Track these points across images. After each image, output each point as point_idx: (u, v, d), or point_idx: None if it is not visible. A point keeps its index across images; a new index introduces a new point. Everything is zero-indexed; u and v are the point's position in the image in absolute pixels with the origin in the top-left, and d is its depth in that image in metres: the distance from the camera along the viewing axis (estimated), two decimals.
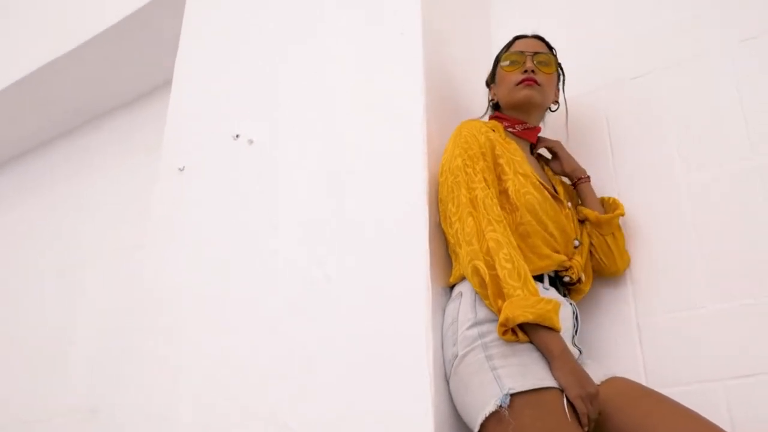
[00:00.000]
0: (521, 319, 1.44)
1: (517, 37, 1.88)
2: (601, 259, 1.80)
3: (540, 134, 1.91)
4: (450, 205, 1.63)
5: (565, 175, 1.89)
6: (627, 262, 1.82)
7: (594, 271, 1.83)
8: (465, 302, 1.58)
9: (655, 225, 1.82)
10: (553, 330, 1.48)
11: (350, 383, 1.63)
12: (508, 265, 1.51)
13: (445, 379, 1.56)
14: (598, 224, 1.80)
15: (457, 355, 1.53)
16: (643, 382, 1.69)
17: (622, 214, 1.82)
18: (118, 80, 3.12)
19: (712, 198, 1.77)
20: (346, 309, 1.72)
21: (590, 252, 1.81)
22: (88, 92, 3.22)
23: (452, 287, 1.67)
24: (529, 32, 1.92)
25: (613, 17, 2.11)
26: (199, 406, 1.87)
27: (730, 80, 1.84)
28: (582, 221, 1.84)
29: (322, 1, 2.19)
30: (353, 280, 1.74)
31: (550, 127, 1.98)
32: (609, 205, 1.85)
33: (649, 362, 1.71)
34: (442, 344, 1.60)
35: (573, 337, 1.63)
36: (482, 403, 1.44)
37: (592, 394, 1.43)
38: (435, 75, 1.89)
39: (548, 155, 1.94)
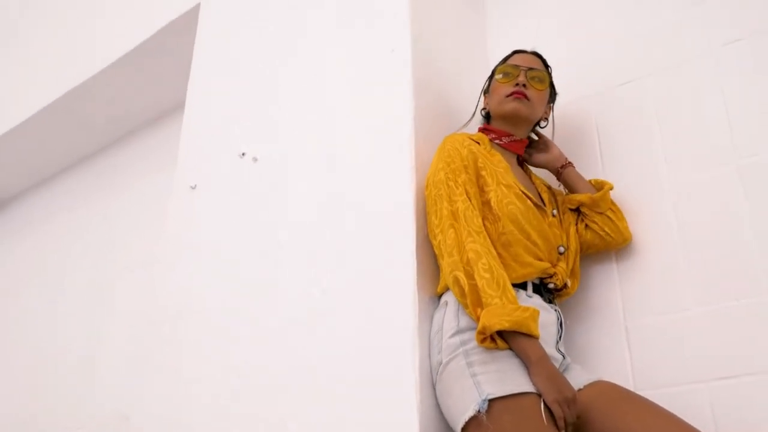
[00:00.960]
0: (498, 327, 1.50)
1: (515, 51, 1.93)
2: (607, 233, 1.83)
3: None
4: (433, 218, 1.70)
5: (549, 165, 1.92)
6: (630, 235, 1.85)
7: (605, 248, 1.87)
8: (449, 311, 1.64)
9: (643, 229, 1.85)
10: (531, 336, 1.53)
11: (342, 389, 1.70)
12: (487, 275, 1.56)
13: (432, 385, 1.62)
14: (593, 204, 1.83)
15: (441, 363, 1.60)
16: (631, 385, 1.73)
17: (611, 188, 1.85)
18: (139, 102, 3.25)
19: (697, 202, 1.79)
20: (339, 320, 1.79)
21: (596, 232, 1.84)
22: (112, 114, 3.35)
23: (440, 296, 1.72)
24: (528, 47, 1.98)
25: (602, 25, 2.14)
26: (210, 414, 1.96)
27: (714, 84, 1.86)
28: (576, 210, 1.87)
29: (319, 23, 2.27)
30: (345, 292, 1.82)
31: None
32: (597, 184, 1.89)
33: (637, 365, 1.75)
34: (429, 352, 1.66)
35: (557, 342, 1.68)
36: (463, 408, 1.50)
37: (569, 398, 1.48)
38: (424, 90, 1.95)
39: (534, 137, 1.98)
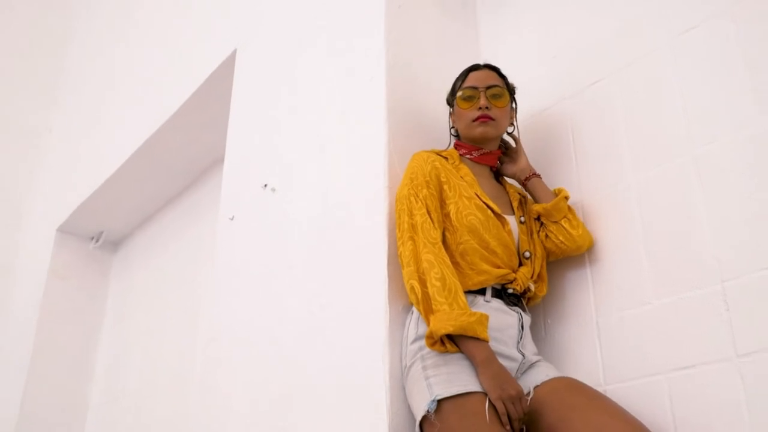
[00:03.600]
0: (443, 331, 1.62)
1: (471, 69, 2.00)
2: (561, 242, 1.89)
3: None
4: (398, 231, 1.84)
5: (516, 176, 1.99)
6: (589, 241, 1.90)
7: (562, 256, 1.93)
8: (413, 319, 1.78)
9: (611, 227, 1.89)
10: (478, 339, 1.63)
11: (327, 393, 1.89)
12: (438, 283, 1.68)
13: (403, 388, 1.77)
14: (547, 213, 1.90)
15: (405, 367, 1.74)
16: (601, 379, 1.79)
17: (567, 197, 1.90)
18: (205, 143, 3.59)
19: (657, 196, 1.81)
20: (333, 332, 1.99)
21: (552, 240, 1.90)
22: (186, 156, 3.72)
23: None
24: (481, 61, 2.07)
25: (569, 28, 2.18)
26: (239, 423, 2.21)
27: (672, 74, 1.86)
28: (538, 219, 1.94)
29: (313, 60, 2.48)
30: (336, 306, 2.01)
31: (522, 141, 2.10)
32: (557, 192, 1.94)
33: (607, 360, 1.80)
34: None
35: (518, 343, 1.76)
36: (418, 409, 1.64)
37: (513, 396, 1.58)
38: (398, 114, 2.09)
39: (512, 143, 2.04)
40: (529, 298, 1.88)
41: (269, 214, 2.45)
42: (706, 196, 1.71)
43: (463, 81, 1.99)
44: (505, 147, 2.05)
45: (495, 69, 2.00)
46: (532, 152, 2.08)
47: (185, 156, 3.75)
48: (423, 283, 1.70)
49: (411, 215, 1.80)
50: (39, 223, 4.59)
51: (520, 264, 1.87)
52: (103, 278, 4.48)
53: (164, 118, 3.51)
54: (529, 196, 2.02)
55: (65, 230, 4.37)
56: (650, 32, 1.95)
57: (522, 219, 1.93)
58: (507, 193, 2.00)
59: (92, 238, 4.46)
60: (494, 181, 2.02)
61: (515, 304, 1.82)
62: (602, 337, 1.82)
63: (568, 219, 1.90)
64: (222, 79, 3.11)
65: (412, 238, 1.77)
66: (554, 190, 1.96)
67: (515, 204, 1.96)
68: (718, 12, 1.82)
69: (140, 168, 3.86)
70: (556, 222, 1.90)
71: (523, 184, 2.00)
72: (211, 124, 3.39)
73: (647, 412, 1.65)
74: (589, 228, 1.93)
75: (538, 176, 1.99)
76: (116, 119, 4.07)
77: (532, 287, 1.85)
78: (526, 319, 1.82)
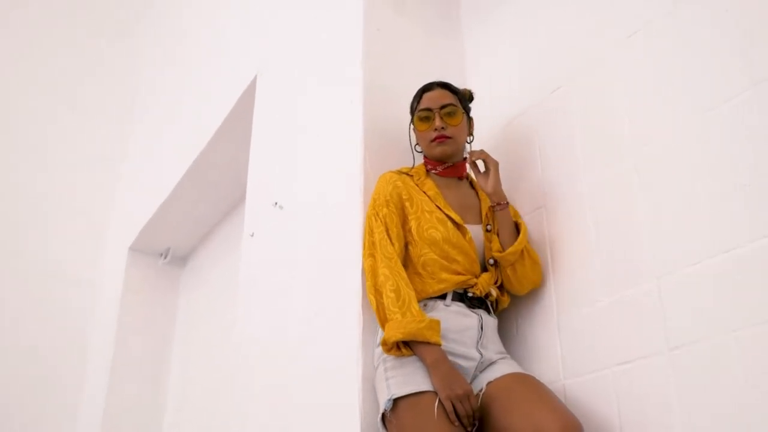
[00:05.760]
0: (394, 339, 1.77)
1: (424, 90, 2.11)
2: (506, 285, 2.02)
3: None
4: (363, 249, 1.99)
5: (487, 194, 2.08)
6: (530, 286, 2.00)
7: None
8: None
9: (570, 231, 1.98)
10: (429, 343, 1.77)
11: (304, 387, 2.12)
12: (392, 295, 1.83)
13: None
14: (499, 259, 1.99)
15: (375, 369, 1.90)
16: (561, 375, 1.88)
17: (515, 251, 1.95)
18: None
19: (606, 199, 1.89)
20: (326, 339, 2.17)
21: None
22: (230, 176, 4.00)
23: None
24: (466, 75, 2.19)
25: (540, 34, 2.26)
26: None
27: (618, 78, 1.93)
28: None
29: (309, 88, 2.67)
30: (324, 314, 2.19)
31: (494, 149, 2.21)
32: (514, 238, 1.99)
33: (566, 356, 1.89)
34: None
35: (477, 342, 1.88)
36: (380, 406, 1.80)
37: (460, 394, 1.71)
38: (375, 139, 2.23)
39: (482, 168, 2.10)
40: (496, 301, 1.99)
41: (277, 231, 2.66)
42: (646, 197, 1.78)
43: (418, 102, 2.11)
44: (485, 166, 2.08)
45: (447, 86, 2.10)
46: (505, 159, 2.19)
47: (229, 172, 4.02)
48: (379, 294, 1.85)
49: (371, 233, 1.95)
50: (114, 243, 5.01)
51: (486, 269, 1.99)
52: (173, 291, 4.85)
53: (206, 140, 3.79)
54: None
55: (136, 248, 4.75)
56: (604, 37, 2.02)
57: (488, 227, 2.03)
58: (479, 199, 2.11)
59: (161, 255, 4.83)
60: (466, 190, 2.12)
61: (478, 307, 1.94)
62: (562, 335, 1.92)
63: (514, 268, 1.98)
64: (248, 102, 3.35)
65: (372, 255, 1.92)
66: (519, 221, 2.03)
67: (485, 211, 2.07)
68: (655, 16, 1.88)
69: (193, 186, 4.16)
70: (505, 267, 1.99)
71: (492, 209, 2.05)
72: (245, 142, 3.65)
73: (598, 406, 1.75)
74: (552, 231, 2.03)
75: (505, 206, 2.02)
76: (169, 144, 4.41)
77: (494, 292, 1.96)
78: (488, 320, 1.93)
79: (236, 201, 4.31)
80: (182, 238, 4.74)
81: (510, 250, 1.96)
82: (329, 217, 2.31)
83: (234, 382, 2.70)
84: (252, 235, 2.88)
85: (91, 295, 4.97)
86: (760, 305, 1.49)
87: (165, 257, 4.81)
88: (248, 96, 3.34)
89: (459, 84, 2.28)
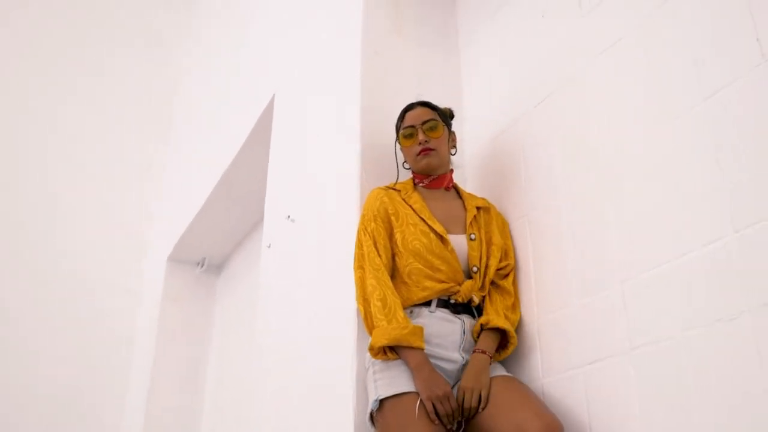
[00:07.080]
0: (379, 344, 1.92)
1: (407, 109, 2.27)
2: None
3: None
4: (353, 261, 2.15)
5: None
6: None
7: None
8: None
9: (549, 237, 2.09)
10: (412, 348, 1.92)
11: (304, 387, 2.26)
12: (379, 303, 1.98)
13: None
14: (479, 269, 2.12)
15: (366, 371, 2.05)
16: (541, 375, 2.00)
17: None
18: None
19: (580, 209, 2.00)
20: (328, 341, 2.33)
21: None
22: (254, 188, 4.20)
23: None
24: (462, 91, 2.33)
25: (530, 48, 2.38)
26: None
27: (597, 93, 2.05)
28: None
29: (314, 108, 2.83)
30: (325, 318, 2.36)
31: (484, 162, 2.34)
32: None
33: (545, 357, 2.01)
34: None
35: (459, 346, 2.02)
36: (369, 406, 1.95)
37: (440, 395, 1.85)
38: (370, 159, 2.39)
39: None
40: (480, 307, 2.12)
41: (289, 243, 2.84)
42: (613, 206, 1.89)
43: (401, 121, 2.27)
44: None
45: (428, 104, 2.26)
46: (491, 173, 2.32)
47: (255, 185, 4.20)
48: (367, 303, 2.01)
49: (361, 246, 2.10)
50: (154, 253, 5.27)
51: (470, 277, 2.12)
52: (210, 298, 5.09)
53: (232, 156, 4.00)
54: (484, 211, 2.23)
55: (174, 258, 5.00)
56: (579, 54, 2.13)
57: (472, 236, 2.16)
58: (465, 209, 2.24)
59: (198, 264, 5.07)
60: (452, 201, 2.25)
61: (462, 312, 2.07)
62: (541, 336, 2.04)
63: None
64: (268, 120, 3.55)
65: (361, 267, 2.08)
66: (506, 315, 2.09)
67: (469, 220, 2.20)
68: (625, 34, 1.99)
69: (223, 199, 4.38)
70: None
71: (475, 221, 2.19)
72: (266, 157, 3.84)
73: (570, 404, 1.87)
74: (535, 240, 2.15)
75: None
76: (201, 159, 4.64)
77: (476, 298, 2.09)
78: (472, 325, 2.06)
79: (263, 213, 4.53)
80: (217, 248, 4.96)
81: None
82: (329, 229, 2.47)
83: (254, 386, 2.88)
84: (269, 246, 3.07)
85: (133, 304, 5.26)
86: (707, 306, 1.59)
87: (201, 266, 5.04)
88: (268, 114, 3.53)
89: (455, 102, 2.41)
